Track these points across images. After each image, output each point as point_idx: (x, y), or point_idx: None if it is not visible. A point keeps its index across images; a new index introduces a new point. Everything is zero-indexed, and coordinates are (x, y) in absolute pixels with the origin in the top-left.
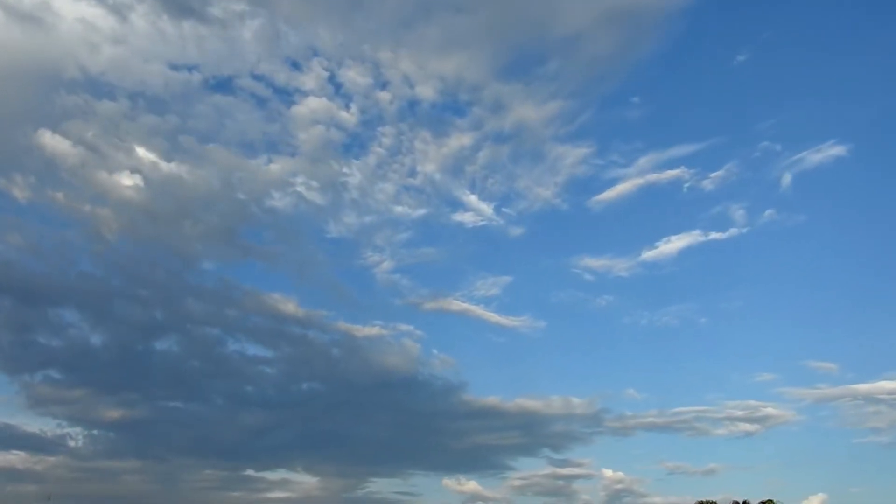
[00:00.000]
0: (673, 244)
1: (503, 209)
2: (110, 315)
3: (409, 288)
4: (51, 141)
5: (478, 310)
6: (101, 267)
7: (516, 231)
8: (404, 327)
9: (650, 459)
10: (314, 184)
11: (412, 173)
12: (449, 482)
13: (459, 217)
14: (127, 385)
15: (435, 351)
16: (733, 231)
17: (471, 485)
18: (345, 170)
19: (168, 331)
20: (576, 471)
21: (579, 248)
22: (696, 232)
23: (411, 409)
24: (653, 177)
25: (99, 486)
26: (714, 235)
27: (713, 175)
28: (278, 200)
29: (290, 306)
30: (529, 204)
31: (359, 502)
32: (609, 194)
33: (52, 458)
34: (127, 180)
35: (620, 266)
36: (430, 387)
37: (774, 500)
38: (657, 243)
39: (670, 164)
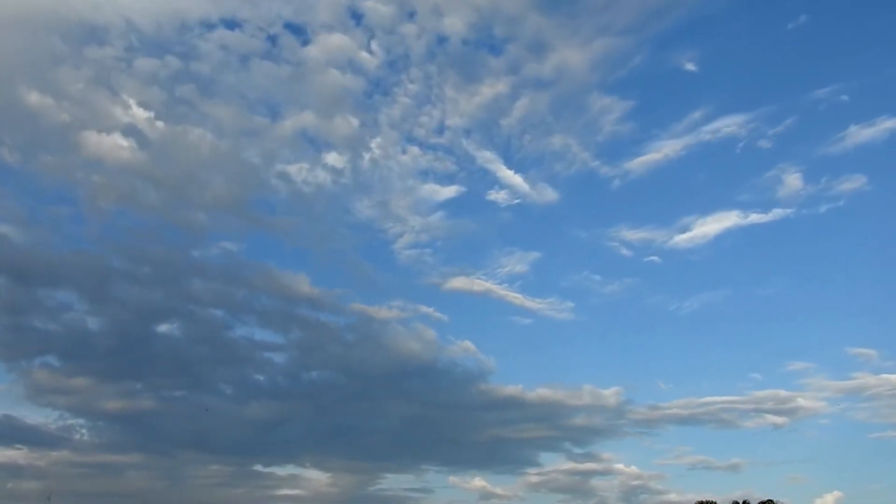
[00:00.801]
0: (709, 226)
1: (538, 182)
2: (109, 296)
3: (430, 265)
4: (34, 96)
5: (502, 290)
6: (98, 242)
7: (550, 196)
8: (424, 309)
9: (672, 454)
10: (331, 142)
11: (440, 130)
12: (460, 479)
13: (492, 196)
14: (128, 373)
15: (455, 336)
16: (777, 212)
17: (485, 481)
18: (364, 126)
19: (171, 313)
20: (595, 466)
21: (617, 217)
22: (735, 213)
23: (428, 400)
24: (706, 135)
25: (102, 482)
26: (754, 217)
27: (771, 132)
28: (291, 164)
29: (302, 285)
30: (566, 166)
31: (371, 500)
32: (654, 156)
33: (53, 453)
34: (121, 141)
35: (661, 238)
36: (449, 375)
37: (775, 501)
38: (693, 225)
39: (723, 124)
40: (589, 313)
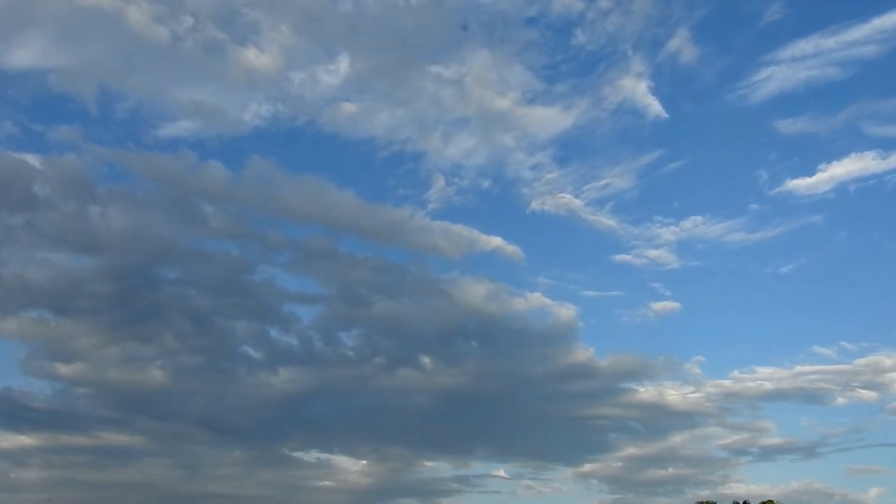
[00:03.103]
0: (833, 171)
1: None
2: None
3: (511, 178)
4: None
5: (592, 215)
6: (79, 148)
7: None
8: (495, 241)
9: (748, 434)
10: None
11: None
12: (497, 467)
13: (602, 68)
14: (133, 333)
15: (530, 276)
16: None
17: (525, 469)
18: None
19: (178, 253)
20: (657, 451)
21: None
22: (871, 154)
23: (482, 370)
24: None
25: (108, 473)
26: (893, 160)
27: None
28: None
29: (347, 201)
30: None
31: (407, 490)
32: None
33: (57, 436)
34: None
35: (822, 127)
36: (514, 336)
37: (775, 501)
38: (816, 169)
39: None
40: (687, 255)
